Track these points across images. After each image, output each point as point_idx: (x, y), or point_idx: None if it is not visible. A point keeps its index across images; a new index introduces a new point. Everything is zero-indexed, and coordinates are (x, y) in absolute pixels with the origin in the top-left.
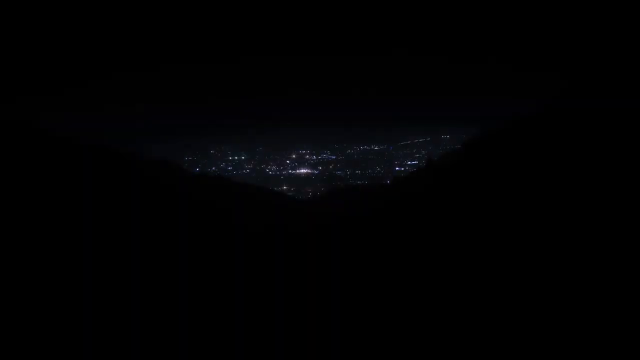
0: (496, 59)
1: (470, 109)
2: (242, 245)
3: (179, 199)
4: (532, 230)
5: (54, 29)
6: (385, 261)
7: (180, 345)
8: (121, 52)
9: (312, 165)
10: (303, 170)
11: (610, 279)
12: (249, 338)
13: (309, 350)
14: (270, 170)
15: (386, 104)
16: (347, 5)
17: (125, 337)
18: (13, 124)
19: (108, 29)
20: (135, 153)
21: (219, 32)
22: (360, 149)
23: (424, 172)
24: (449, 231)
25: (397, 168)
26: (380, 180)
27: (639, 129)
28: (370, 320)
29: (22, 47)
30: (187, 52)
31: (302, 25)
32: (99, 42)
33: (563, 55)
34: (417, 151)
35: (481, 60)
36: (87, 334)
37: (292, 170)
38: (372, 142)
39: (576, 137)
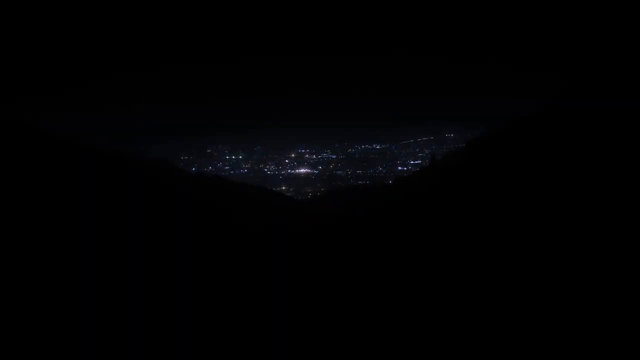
0: (496, 59)
1: (470, 109)
2: (242, 245)
3: (179, 198)
4: (534, 229)
5: (54, 28)
6: (385, 261)
7: (181, 344)
8: (121, 52)
9: (312, 165)
10: (303, 170)
11: (609, 277)
12: (249, 337)
13: (309, 349)
14: (268, 170)
15: (387, 103)
16: (347, 5)
17: (125, 335)
18: (13, 124)
19: (108, 28)
20: (135, 153)
21: (219, 32)
22: (361, 148)
23: (427, 172)
24: (451, 231)
25: (399, 167)
26: (382, 180)
27: (639, 129)
28: (370, 319)
29: (22, 47)
30: (187, 52)
31: (302, 25)
32: (99, 42)
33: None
34: (420, 150)
35: (481, 60)
36: (87, 332)
37: (291, 169)
38: (374, 141)
39: (576, 137)
